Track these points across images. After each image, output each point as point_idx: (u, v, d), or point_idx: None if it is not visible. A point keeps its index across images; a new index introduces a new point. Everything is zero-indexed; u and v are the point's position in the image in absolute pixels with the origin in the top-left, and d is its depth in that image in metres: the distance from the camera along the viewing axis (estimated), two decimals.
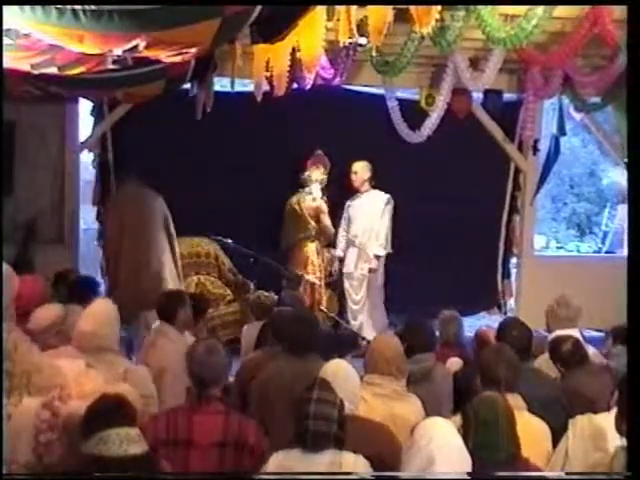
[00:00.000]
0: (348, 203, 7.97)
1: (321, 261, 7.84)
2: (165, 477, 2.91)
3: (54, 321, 4.12)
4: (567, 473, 3.26)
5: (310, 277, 7.65)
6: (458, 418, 3.25)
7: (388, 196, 7.79)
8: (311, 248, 7.81)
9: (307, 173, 7.84)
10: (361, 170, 7.82)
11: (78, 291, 5.19)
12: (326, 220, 7.81)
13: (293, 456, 3.02)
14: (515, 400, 3.45)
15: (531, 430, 3.24)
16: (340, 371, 3.50)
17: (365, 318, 7.76)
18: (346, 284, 7.86)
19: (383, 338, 4.13)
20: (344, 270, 7.87)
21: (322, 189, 7.88)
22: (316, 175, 7.84)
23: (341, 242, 8.00)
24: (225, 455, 3.23)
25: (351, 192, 7.96)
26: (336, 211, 7.99)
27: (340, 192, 7.94)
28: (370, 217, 7.79)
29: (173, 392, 3.87)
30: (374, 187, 7.87)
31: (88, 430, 2.71)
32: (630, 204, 3.40)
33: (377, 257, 7.76)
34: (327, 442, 2.99)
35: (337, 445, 3.01)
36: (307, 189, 7.86)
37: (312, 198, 7.82)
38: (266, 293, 6.24)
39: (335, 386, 3.26)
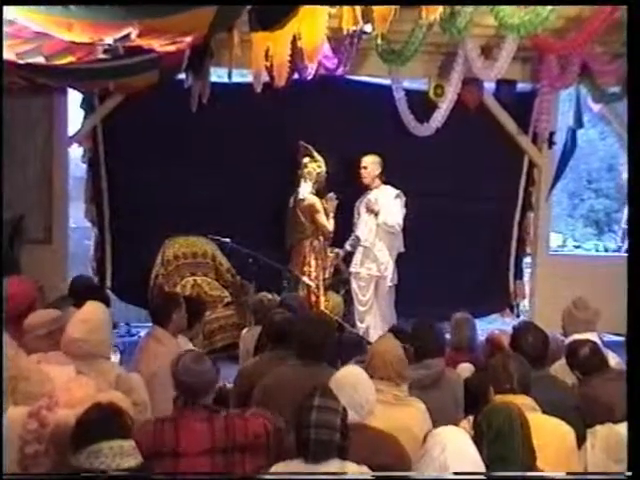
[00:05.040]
0: (359, 201, 7.84)
1: (320, 261, 7.65)
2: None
3: (50, 327, 4.10)
4: (567, 473, 3.24)
5: (305, 279, 7.54)
6: (465, 422, 3.23)
7: (398, 192, 7.68)
8: (308, 248, 7.64)
9: (303, 170, 7.67)
10: (371, 165, 7.68)
11: (74, 292, 5.20)
12: (321, 219, 7.58)
13: (294, 467, 3.00)
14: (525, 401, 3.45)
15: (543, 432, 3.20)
16: (349, 378, 3.47)
17: (373, 321, 7.65)
18: (353, 284, 7.78)
19: (383, 342, 4.09)
20: (351, 270, 7.80)
21: (321, 186, 7.73)
22: (310, 168, 7.65)
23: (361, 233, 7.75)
24: (215, 462, 3.24)
25: (358, 188, 7.86)
26: (344, 206, 7.78)
27: (344, 188, 7.87)
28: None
29: (165, 397, 3.84)
30: (384, 183, 7.76)
31: (79, 442, 2.70)
32: (630, 204, 3.39)
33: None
34: (330, 451, 2.97)
35: (340, 455, 2.99)
36: (300, 187, 7.68)
37: (302, 198, 7.64)
38: (269, 295, 6.21)
39: (342, 394, 3.25)
